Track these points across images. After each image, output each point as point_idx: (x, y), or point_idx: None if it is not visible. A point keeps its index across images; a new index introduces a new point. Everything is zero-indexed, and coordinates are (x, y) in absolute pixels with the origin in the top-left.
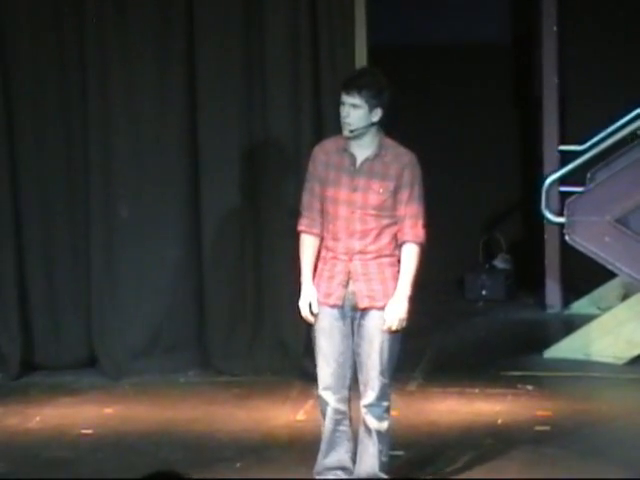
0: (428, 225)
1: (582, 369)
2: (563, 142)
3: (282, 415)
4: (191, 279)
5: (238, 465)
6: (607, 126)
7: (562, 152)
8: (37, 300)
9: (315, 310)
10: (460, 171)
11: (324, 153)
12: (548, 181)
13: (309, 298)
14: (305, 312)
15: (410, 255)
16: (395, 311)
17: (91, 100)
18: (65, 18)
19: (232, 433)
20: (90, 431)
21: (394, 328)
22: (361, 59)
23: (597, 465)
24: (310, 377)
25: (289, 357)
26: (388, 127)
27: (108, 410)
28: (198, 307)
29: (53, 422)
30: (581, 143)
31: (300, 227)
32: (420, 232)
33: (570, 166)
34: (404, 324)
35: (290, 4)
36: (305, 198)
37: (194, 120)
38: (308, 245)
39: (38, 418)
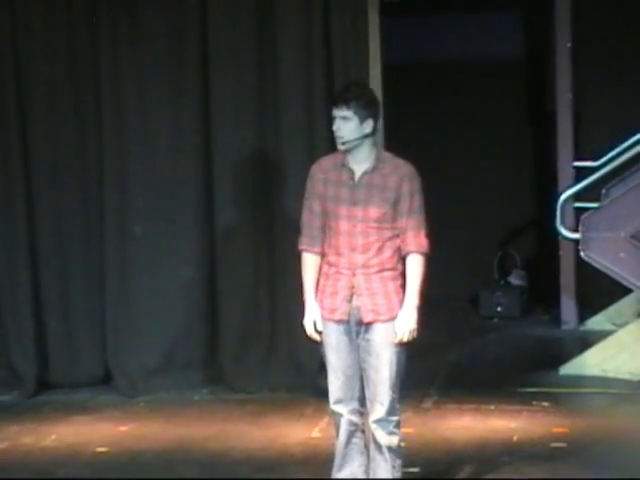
0: (443, 241)
1: (598, 385)
2: (578, 158)
3: (297, 432)
4: (205, 297)
5: None
6: (622, 142)
7: (577, 168)
8: (52, 318)
9: (320, 328)
10: (474, 187)
11: (322, 170)
12: (563, 197)
13: (313, 316)
14: (310, 330)
15: (415, 266)
16: (405, 322)
17: (105, 118)
18: (78, 30)
19: (247, 451)
20: (105, 449)
21: (405, 339)
22: (375, 76)
23: None
24: (325, 394)
25: (303, 374)
26: (404, 144)
27: (123, 428)
28: (212, 325)
29: (68, 440)
30: (596, 159)
31: (301, 246)
32: (423, 242)
33: (585, 182)
34: (415, 335)
35: (303, 20)
36: (304, 217)
37: (208, 142)
38: (309, 264)
39: (53, 436)
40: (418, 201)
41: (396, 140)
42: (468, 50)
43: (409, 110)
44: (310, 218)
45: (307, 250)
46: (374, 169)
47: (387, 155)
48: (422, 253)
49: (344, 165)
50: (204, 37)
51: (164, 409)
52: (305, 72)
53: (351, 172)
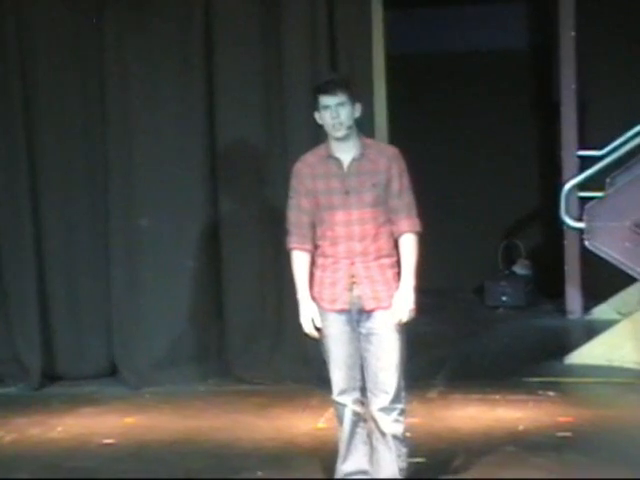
0: (448, 232)
1: (603, 375)
2: (582, 148)
3: (303, 423)
4: (211, 288)
5: (260, 473)
6: (626, 131)
7: (581, 157)
8: (58, 311)
9: (318, 324)
10: (479, 177)
11: (307, 166)
12: (567, 187)
13: (310, 313)
14: (309, 328)
15: (409, 245)
16: (403, 303)
17: (112, 113)
18: (84, 23)
19: (253, 441)
20: (112, 441)
21: (404, 320)
22: (379, 67)
23: (619, 471)
24: (330, 385)
25: (309, 365)
26: (408, 134)
27: (129, 420)
28: (218, 316)
29: (75, 432)
30: (600, 148)
31: (291, 245)
32: (415, 221)
33: (589, 171)
34: (413, 315)
35: (308, 14)
36: (292, 215)
37: (213, 133)
38: (301, 262)
39: (60, 428)
40: (407, 181)
41: (400, 129)
42: (472, 40)
43: (413, 100)
44: (299, 216)
45: (298, 248)
46: (361, 155)
47: (370, 141)
48: (415, 232)
49: (330, 156)
50: (209, 29)
51: (170, 401)
52: (310, 63)
53: (339, 162)
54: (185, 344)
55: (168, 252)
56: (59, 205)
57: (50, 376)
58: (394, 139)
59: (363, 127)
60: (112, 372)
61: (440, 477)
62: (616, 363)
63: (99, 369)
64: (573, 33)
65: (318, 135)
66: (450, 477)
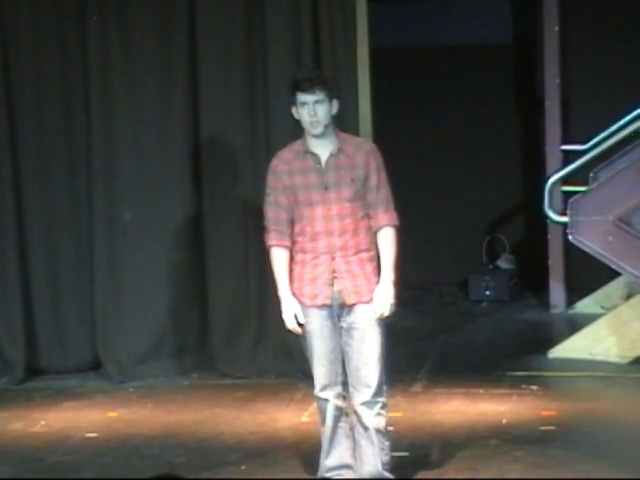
0: (431, 226)
1: (586, 369)
2: (565, 142)
3: (286, 417)
4: (194, 282)
5: (243, 468)
6: (609, 125)
7: (565, 152)
8: (41, 305)
9: (301, 320)
10: (463, 172)
11: (284, 162)
12: (551, 181)
13: (293, 309)
14: (292, 324)
15: (389, 239)
16: (384, 297)
17: (93, 105)
18: (67, 19)
19: (237, 436)
20: (95, 435)
21: (386, 314)
22: (363, 60)
23: (602, 465)
24: (313, 380)
25: (293, 359)
26: (390, 128)
27: (112, 414)
28: (202, 310)
29: (58, 426)
30: (583, 143)
31: (270, 242)
32: (394, 215)
33: (573, 166)
34: (393, 309)
35: (291, 7)
36: (270, 212)
37: (197, 126)
38: (281, 259)
39: (43, 422)
40: (384, 175)
41: (382, 124)
42: (456, 34)
43: (396, 94)
44: (277, 212)
45: (277, 245)
46: (339, 150)
47: (346, 136)
48: (394, 226)
49: (307, 152)
50: (192, 23)
51: (153, 395)
52: (293, 57)
53: (316, 157)
54: (168, 338)
55: (151, 246)
56: (41, 200)
57: (33, 370)
58: (378, 133)
59: (347, 121)
60: (95, 366)
61: (423, 470)
62: (599, 357)
63: (82, 363)
64: (557, 28)
65: (301, 129)
66: (433, 470)
